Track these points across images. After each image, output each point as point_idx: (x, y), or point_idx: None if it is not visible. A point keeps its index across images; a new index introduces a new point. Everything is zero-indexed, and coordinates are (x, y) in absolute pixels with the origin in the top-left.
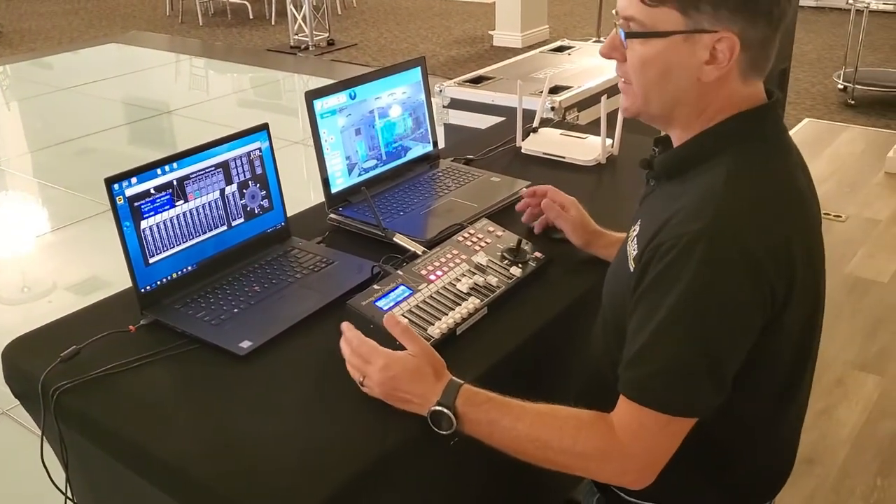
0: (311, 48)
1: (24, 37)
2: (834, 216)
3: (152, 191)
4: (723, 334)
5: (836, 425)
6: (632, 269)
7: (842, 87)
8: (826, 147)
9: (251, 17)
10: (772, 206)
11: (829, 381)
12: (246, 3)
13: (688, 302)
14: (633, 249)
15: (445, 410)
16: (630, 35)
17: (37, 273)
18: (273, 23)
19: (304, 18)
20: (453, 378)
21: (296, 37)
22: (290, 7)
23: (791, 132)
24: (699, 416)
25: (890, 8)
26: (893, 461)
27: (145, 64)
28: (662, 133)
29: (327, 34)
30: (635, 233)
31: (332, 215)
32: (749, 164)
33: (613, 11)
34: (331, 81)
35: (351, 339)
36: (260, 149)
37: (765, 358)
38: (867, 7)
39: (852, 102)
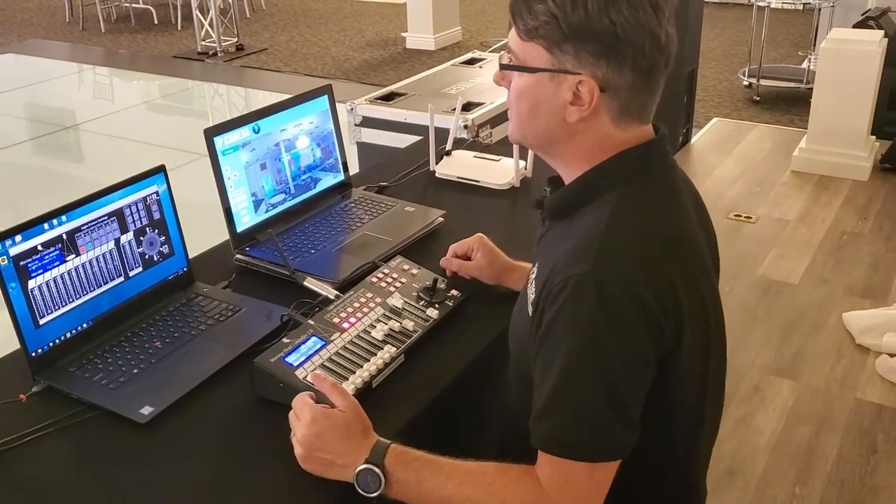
0: (219, 54)
1: None
2: (745, 217)
3: (39, 247)
4: (622, 372)
5: (755, 434)
6: (530, 313)
7: (747, 83)
8: (735, 146)
9: (156, 22)
10: (653, 246)
11: (747, 388)
12: (150, 7)
13: (583, 345)
14: (531, 293)
15: (375, 469)
16: (504, 67)
17: None
18: (179, 28)
19: (210, 23)
20: (380, 438)
21: (203, 42)
22: (195, 12)
23: (701, 132)
24: (618, 457)
25: (789, 6)
26: (810, 469)
27: (46, 75)
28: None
29: (236, 39)
30: (533, 276)
31: (238, 256)
32: (632, 205)
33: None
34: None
35: (297, 396)
36: (157, 192)
37: (667, 397)
38: (769, 5)
39: (757, 99)
